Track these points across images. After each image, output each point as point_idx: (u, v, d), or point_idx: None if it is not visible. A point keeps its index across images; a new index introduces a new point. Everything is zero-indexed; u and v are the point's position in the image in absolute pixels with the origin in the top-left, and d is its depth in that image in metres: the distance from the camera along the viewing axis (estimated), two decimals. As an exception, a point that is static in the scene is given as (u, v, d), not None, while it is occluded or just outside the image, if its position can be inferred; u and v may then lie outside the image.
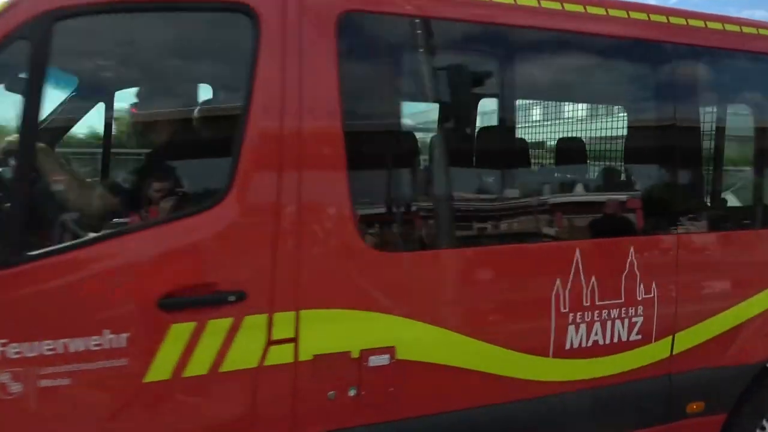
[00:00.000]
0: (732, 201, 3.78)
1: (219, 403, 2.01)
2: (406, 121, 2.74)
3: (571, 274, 2.48)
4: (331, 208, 2.13)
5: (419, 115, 3.67)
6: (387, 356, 2.18)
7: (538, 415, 2.50)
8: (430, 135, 2.85)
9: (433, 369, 2.27)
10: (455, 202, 2.51)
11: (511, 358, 2.40)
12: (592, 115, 5.27)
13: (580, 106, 5.34)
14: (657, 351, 2.70)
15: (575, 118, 5.66)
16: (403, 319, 2.23)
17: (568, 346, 2.50)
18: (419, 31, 2.33)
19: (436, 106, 2.57)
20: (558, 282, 2.45)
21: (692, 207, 3.03)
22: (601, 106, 5.00)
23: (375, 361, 2.16)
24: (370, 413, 2.21)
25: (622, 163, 3.79)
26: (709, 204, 3.49)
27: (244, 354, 2.00)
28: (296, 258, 2.06)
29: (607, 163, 4.08)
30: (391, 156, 2.44)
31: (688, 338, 2.77)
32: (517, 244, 2.59)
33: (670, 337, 2.72)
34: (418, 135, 3.14)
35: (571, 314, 2.49)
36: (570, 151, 3.69)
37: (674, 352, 2.74)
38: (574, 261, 2.49)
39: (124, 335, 1.83)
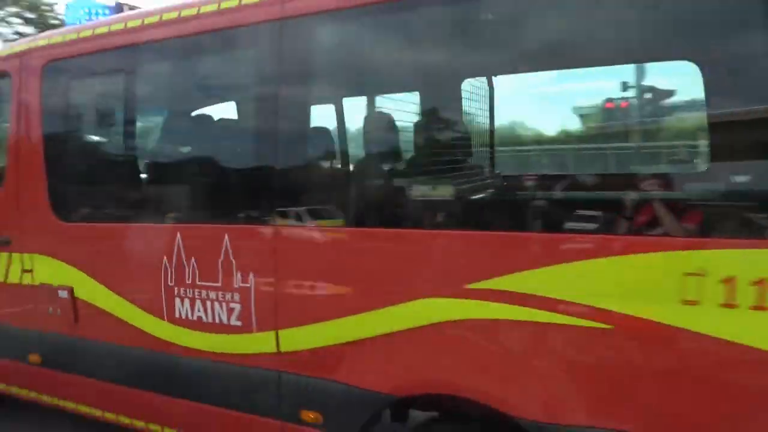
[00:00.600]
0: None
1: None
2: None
3: (174, 254, 2.87)
4: (36, 194, 3.37)
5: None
6: (66, 292, 3.28)
7: (157, 364, 3.01)
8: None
9: (93, 308, 3.21)
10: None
11: (138, 313, 3.04)
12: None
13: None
14: (262, 343, 2.68)
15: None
16: (75, 269, 3.26)
17: (177, 315, 2.90)
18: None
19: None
20: (165, 260, 2.91)
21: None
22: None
23: (61, 293, 3.31)
24: (69, 329, 3.35)
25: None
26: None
27: (14, 274, 3.54)
28: (20, 222, 3.43)
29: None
30: (74, 161, 3.43)
31: (294, 339, 2.59)
32: (138, 223, 3.09)
33: (274, 332, 2.63)
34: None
35: (176, 288, 2.89)
36: None
37: (282, 350, 2.63)
38: (176, 243, 2.87)
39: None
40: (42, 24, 37.86)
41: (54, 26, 41.25)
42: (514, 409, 2.12)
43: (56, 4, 45.17)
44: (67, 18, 4.00)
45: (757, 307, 1.75)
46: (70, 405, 3.46)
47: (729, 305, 1.78)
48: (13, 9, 35.67)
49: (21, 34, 38.25)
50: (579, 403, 2.05)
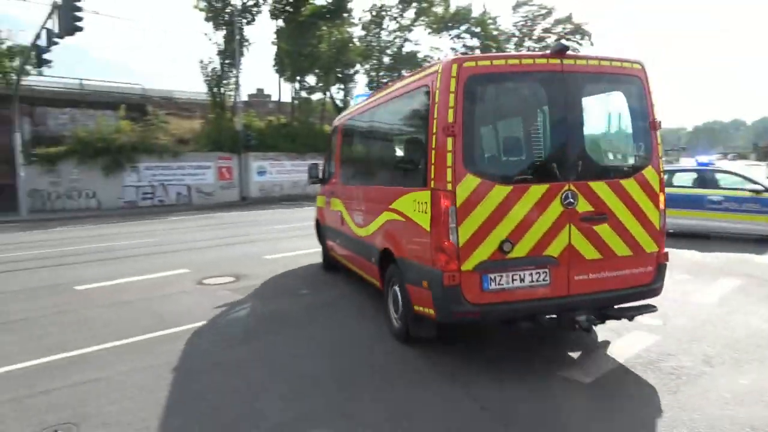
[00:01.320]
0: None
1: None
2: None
3: (353, 197, 7.09)
4: (337, 176, 8.17)
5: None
6: (340, 213, 7.84)
7: (356, 243, 7.04)
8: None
9: (345, 219, 7.56)
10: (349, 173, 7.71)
11: (349, 219, 7.30)
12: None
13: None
14: (364, 231, 6.53)
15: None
16: (341, 203, 7.79)
17: (354, 222, 7.04)
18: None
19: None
20: (353, 201, 7.10)
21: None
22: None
23: (338, 214, 7.97)
24: (340, 228, 7.97)
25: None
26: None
27: (334, 206, 8.69)
28: (335, 187, 8.39)
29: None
30: (343, 162, 8.10)
31: (367, 230, 6.43)
32: (348, 186, 7.49)
33: (365, 228, 6.50)
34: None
35: (353, 211, 7.09)
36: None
37: (365, 235, 6.53)
38: (352, 193, 7.09)
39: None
40: (485, 35, 45.78)
41: (494, 37, 48.23)
42: (395, 252, 5.53)
43: (499, 16, 53.07)
44: (353, 101, 8.38)
45: (423, 212, 4.83)
46: (346, 264, 8.06)
47: (421, 212, 4.85)
48: (465, 27, 44.63)
49: (469, 47, 46.95)
50: (403, 250, 5.37)
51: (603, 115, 5.26)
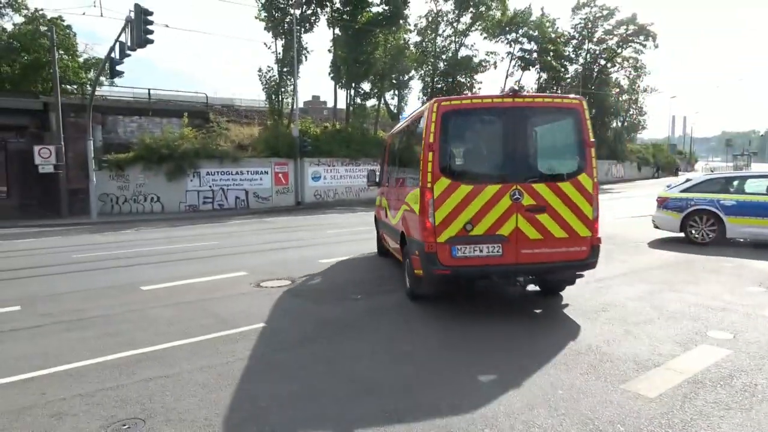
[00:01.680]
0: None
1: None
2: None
3: (389, 195, 7.93)
4: (383, 180, 9.15)
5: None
6: (384, 208, 8.64)
7: (391, 230, 8.03)
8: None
9: (387, 213, 8.38)
10: (398, 180, 8.10)
11: (390, 213, 7.96)
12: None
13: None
14: (394, 221, 7.54)
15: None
16: (385, 200, 8.55)
17: (391, 213, 7.74)
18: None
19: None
20: (391, 197, 7.83)
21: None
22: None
23: (384, 209, 8.83)
24: (384, 218, 9.25)
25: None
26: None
27: (383, 204, 9.42)
28: (385, 189, 9.19)
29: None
30: (387, 170, 8.83)
31: (395, 219, 7.56)
32: (395, 188, 7.85)
33: (395, 218, 7.64)
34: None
35: (389, 207, 7.96)
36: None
37: (395, 223, 7.47)
38: (391, 192, 7.74)
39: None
40: (542, 39, 44.83)
41: (552, 40, 47.47)
42: (407, 233, 7.33)
43: (559, 18, 51.98)
44: (402, 116, 9.31)
45: (417, 203, 6.74)
46: (388, 247, 9.02)
47: (416, 202, 6.77)
48: (522, 30, 43.91)
49: (526, 51, 46.09)
50: (410, 230, 7.09)
51: (548, 136, 7.04)
